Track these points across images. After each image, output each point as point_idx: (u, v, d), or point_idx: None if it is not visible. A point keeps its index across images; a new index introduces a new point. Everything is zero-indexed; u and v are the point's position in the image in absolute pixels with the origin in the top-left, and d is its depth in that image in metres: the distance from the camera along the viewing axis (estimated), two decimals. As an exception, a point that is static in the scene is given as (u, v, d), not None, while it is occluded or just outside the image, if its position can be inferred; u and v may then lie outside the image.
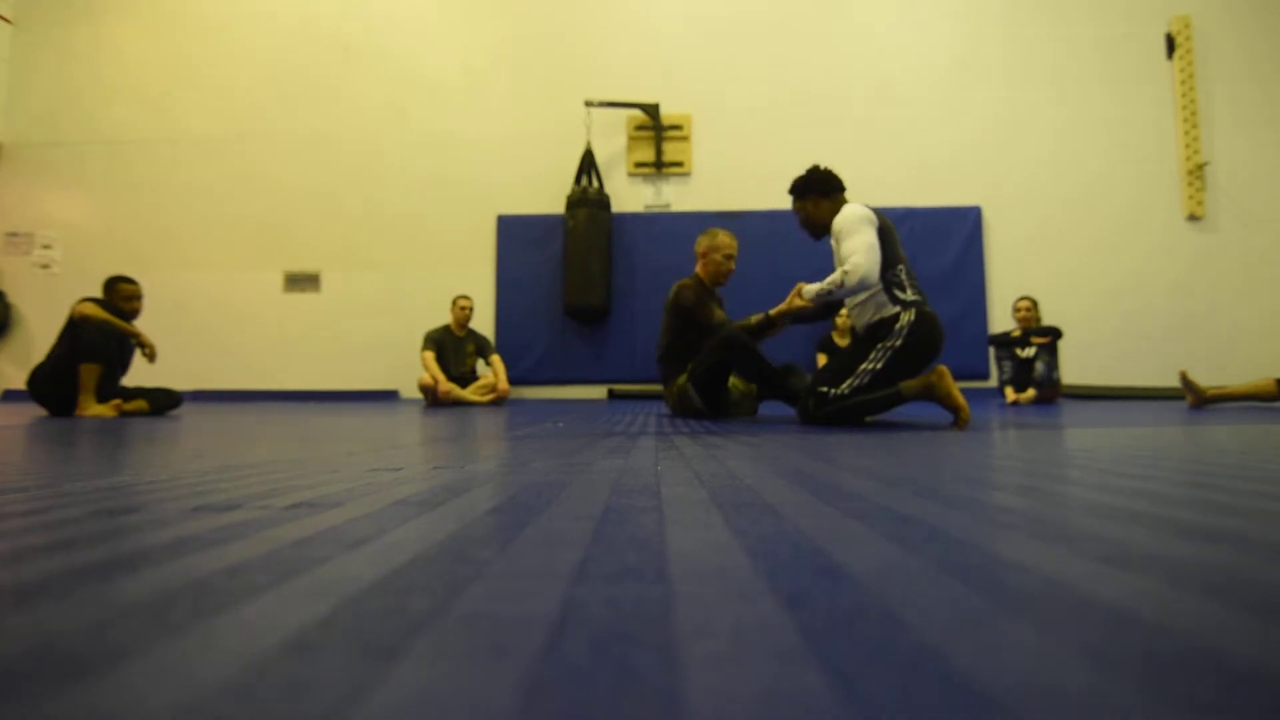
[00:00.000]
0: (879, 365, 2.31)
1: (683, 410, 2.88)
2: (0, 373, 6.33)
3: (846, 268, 2.30)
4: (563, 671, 0.30)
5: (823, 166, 2.60)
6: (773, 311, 2.59)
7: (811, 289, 2.42)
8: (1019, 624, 0.36)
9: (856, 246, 2.32)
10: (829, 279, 2.35)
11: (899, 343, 2.31)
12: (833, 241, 2.46)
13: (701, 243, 3.01)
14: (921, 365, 2.36)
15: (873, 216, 2.38)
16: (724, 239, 2.98)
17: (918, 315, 2.34)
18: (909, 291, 2.38)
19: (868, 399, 2.30)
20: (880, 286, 2.37)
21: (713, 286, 3.02)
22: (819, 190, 2.55)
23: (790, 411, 3.11)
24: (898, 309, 2.35)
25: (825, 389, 2.33)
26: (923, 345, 2.33)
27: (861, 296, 2.42)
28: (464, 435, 1.94)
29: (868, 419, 2.43)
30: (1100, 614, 0.38)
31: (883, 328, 2.35)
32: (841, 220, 2.40)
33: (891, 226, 2.45)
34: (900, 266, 2.40)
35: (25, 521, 0.66)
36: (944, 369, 2.23)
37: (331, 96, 6.57)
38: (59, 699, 0.28)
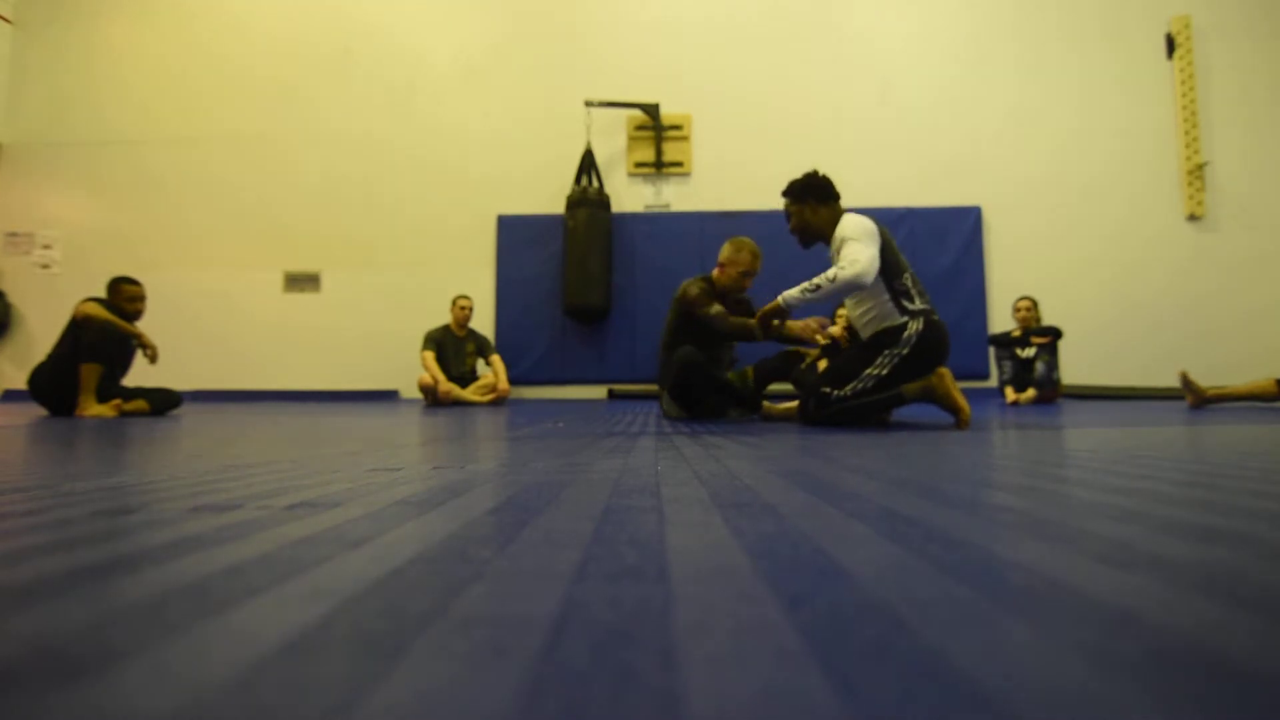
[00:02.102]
0: (884, 371, 2.29)
1: (671, 413, 2.90)
2: (0, 373, 6.33)
3: (842, 264, 2.25)
4: (563, 671, 0.30)
5: (821, 173, 2.52)
6: (773, 325, 2.50)
7: (794, 293, 2.35)
8: (1019, 624, 0.36)
9: (859, 253, 2.27)
10: (818, 277, 2.28)
11: (906, 351, 2.29)
12: (833, 251, 2.41)
13: (725, 251, 2.94)
14: (927, 372, 2.32)
15: (876, 230, 2.35)
16: (746, 255, 2.90)
17: (926, 325, 2.31)
18: (917, 301, 2.34)
19: (869, 400, 2.29)
20: (887, 296, 2.33)
21: (725, 292, 2.95)
22: (818, 196, 2.48)
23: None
24: (905, 319, 2.32)
25: (828, 390, 2.33)
26: (930, 354, 2.30)
27: (868, 304, 2.37)
28: (464, 435, 1.94)
29: (877, 419, 2.43)
30: (1100, 614, 0.38)
31: (889, 336, 2.32)
32: (847, 228, 2.35)
33: (891, 237, 2.42)
34: (906, 275, 2.36)
35: (25, 521, 0.66)
36: (944, 370, 2.23)
37: (332, 96, 6.57)
38: (59, 699, 0.28)
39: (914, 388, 2.25)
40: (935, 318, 2.35)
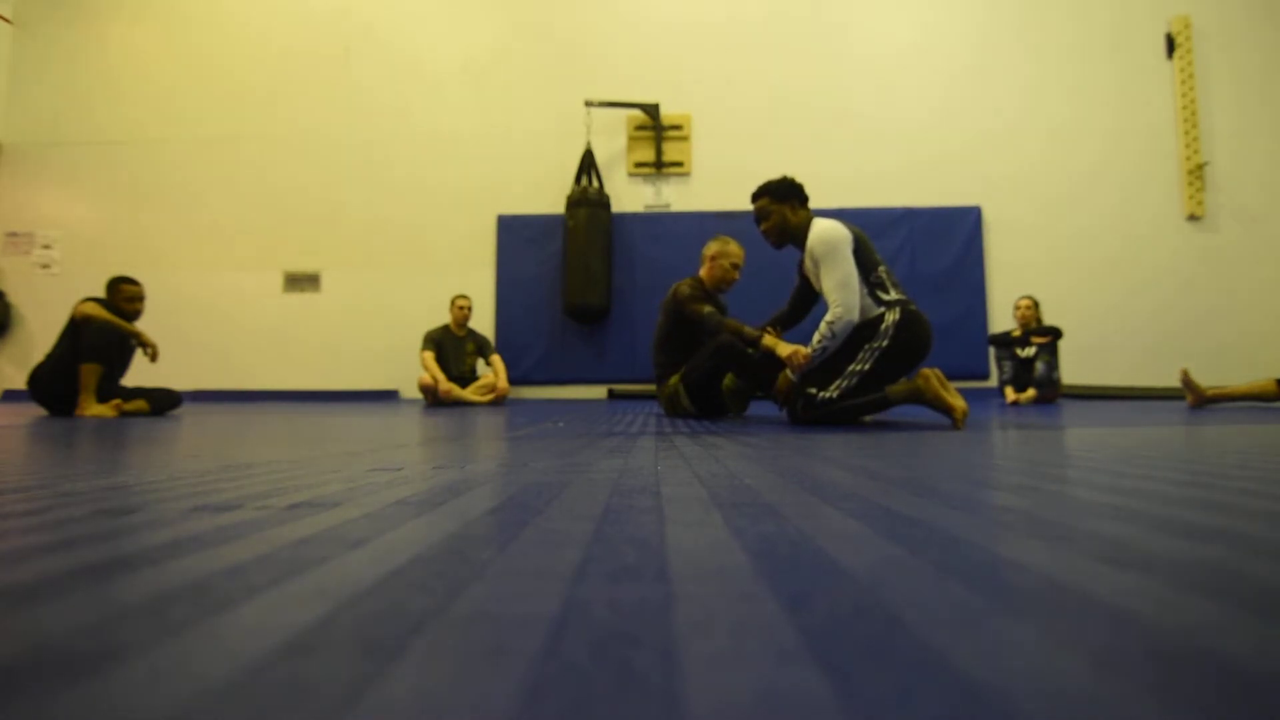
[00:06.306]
0: (867, 366, 2.30)
1: (674, 411, 2.88)
2: (0, 373, 6.33)
3: (829, 317, 2.32)
4: (563, 671, 0.30)
5: (792, 178, 2.56)
6: (766, 341, 2.50)
7: (804, 354, 2.35)
8: (1019, 624, 0.36)
9: (833, 284, 2.31)
10: (818, 337, 2.33)
11: (885, 343, 2.29)
12: (808, 261, 2.45)
13: (711, 247, 2.99)
14: (910, 365, 2.34)
15: (848, 236, 2.37)
16: (734, 248, 2.98)
17: (903, 315, 2.32)
18: (892, 292, 2.37)
19: (855, 403, 2.29)
20: (865, 290, 2.35)
21: (713, 290, 3.02)
22: (799, 198, 2.52)
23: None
24: (882, 309, 2.34)
25: (814, 391, 2.33)
26: (910, 344, 2.31)
27: None
28: (464, 435, 1.94)
29: (866, 419, 2.43)
30: (1100, 614, 0.38)
31: (868, 328, 2.33)
32: (818, 242, 2.37)
33: (863, 234, 2.45)
34: (880, 268, 2.40)
35: (25, 521, 0.66)
36: (929, 372, 2.19)
37: (332, 96, 6.57)
38: (59, 699, 0.28)
39: (900, 391, 2.25)
40: (912, 308, 2.36)
